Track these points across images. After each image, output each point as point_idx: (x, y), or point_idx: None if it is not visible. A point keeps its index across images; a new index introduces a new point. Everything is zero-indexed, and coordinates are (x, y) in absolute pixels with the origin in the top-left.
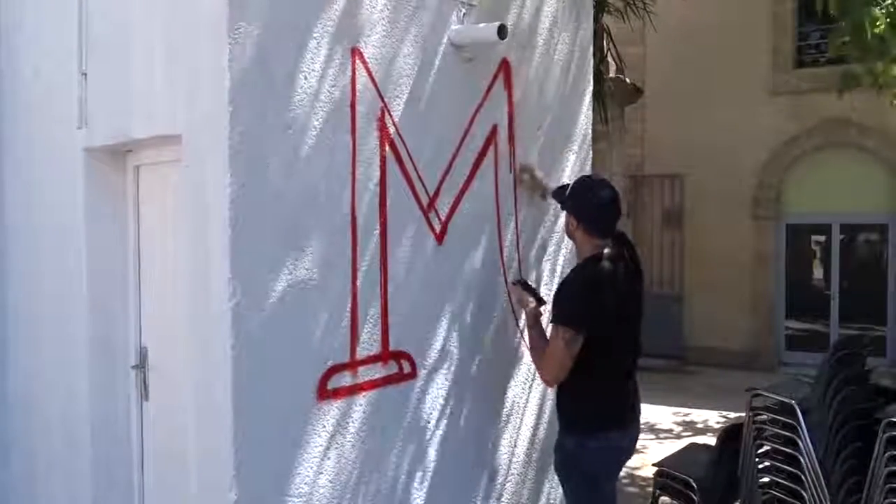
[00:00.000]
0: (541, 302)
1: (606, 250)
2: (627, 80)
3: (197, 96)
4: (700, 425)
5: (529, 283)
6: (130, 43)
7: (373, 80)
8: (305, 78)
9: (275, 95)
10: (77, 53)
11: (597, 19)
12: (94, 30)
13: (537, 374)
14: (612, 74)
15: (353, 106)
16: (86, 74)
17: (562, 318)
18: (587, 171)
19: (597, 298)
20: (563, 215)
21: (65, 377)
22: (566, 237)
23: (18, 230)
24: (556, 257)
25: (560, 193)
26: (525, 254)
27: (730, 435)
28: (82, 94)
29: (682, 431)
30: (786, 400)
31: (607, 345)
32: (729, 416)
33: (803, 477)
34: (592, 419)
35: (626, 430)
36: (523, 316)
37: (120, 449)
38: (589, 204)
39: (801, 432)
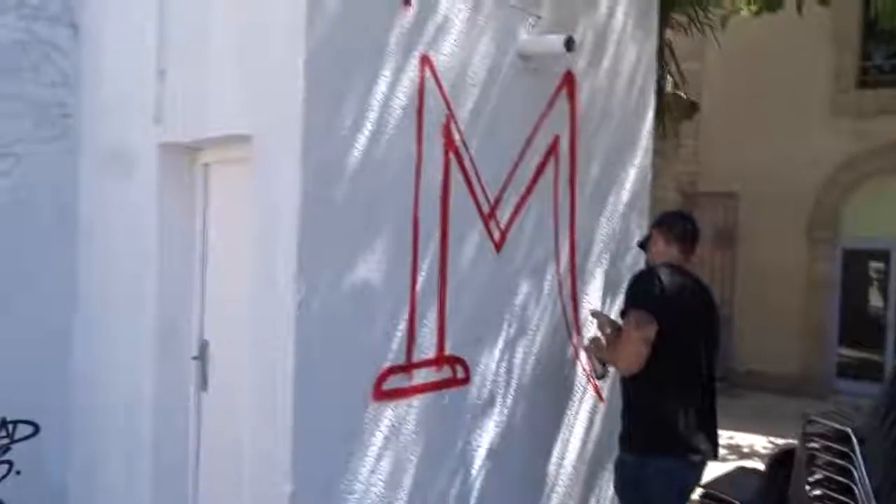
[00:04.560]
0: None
1: (681, 262)
2: (684, 95)
3: (270, 97)
4: (746, 449)
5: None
6: (207, 43)
7: (440, 87)
8: (376, 83)
9: (346, 99)
10: (155, 52)
11: (660, 34)
12: (173, 30)
13: (589, 388)
14: (669, 89)
15: (420, 112)
16: (163, 73)
17: (633, 302)
18: (647, 185)
19: (667, 288)
20: (621, 229)
21: (130, 364)
22: (623, 249)
23: (92, 220)
24: (612, 271)
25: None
26: (582, 264)
27: (780, 460)
28: (159, 92)
29: (728, 454)
30: (841, 427)
31: (677, 357)
32: (776, 441)
33: None
34: (655, 439)
35: (690, 458)
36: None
37: (178, 438)
38: (669, 215)
39: (856, 461)
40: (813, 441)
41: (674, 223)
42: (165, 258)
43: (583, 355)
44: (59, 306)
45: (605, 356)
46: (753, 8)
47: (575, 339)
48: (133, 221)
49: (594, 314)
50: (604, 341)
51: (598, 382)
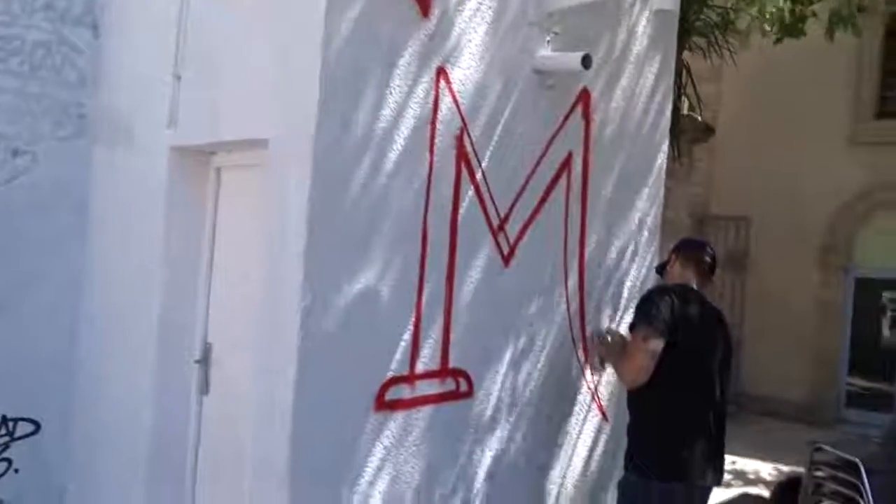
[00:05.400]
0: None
1: (695, 286)
2: (699, 117)
3: (285, 104)
4: (751, 476)
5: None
6: (225, 49)
7: (455, 100)
8: (391, 93)
9: (361, 108)
10: (173, 56)
11: (678, 56)
12: (191, 35)
13: (593, 406)
14: (685, 111)
15: (433, 124)
16: (180, 77)
17: (642, 316)
18: (659, 206)
19: (678, 305)
20: (631, 249)
21: (132, 365)
22: (632, 269)
23: (102, 220)
24: (620, 291)
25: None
26: (590, 282)
27: (785, 488)
28: (174, 95)
29: (732, 480)
30: (850, 457)
31: (686, 375)
32: (781, 468)
33: None
34: (659, 460)
35: (695, 482)
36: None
37: (177, 440)
38: (689, 240)
39: (863, 492)
40: (820, 469)
41: (693, 249)
42: (172, 260)
43: (588, 371)
44: (67, 305)
45: (608, 359)
46: (775, 35)
47: (581, 357)
48: (143, 223)
49: (609, 331)
50: (609, 340)
51: (602, 403)
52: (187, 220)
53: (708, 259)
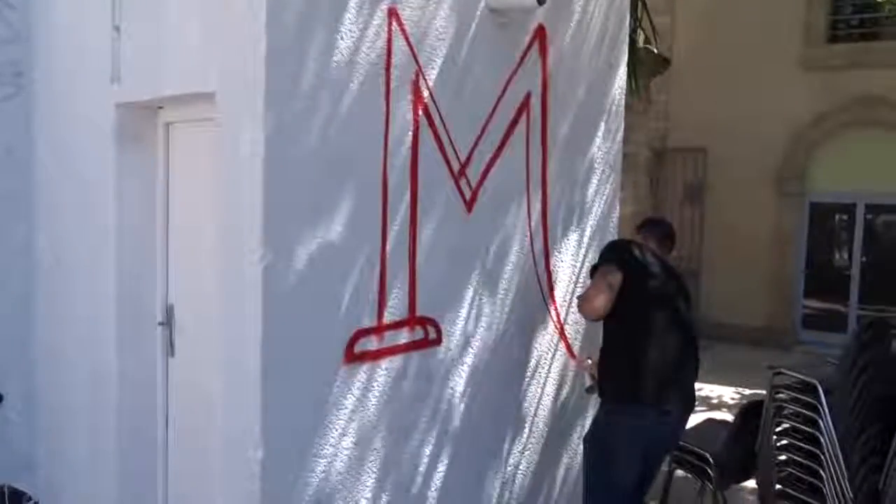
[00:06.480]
0: None
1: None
2: (656, 50)
3: (233, 54)
4: (714, 401)
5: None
6: None
7: (409, 42)
8: (342, 38)
9: (311, 55)
10: (111, 8)
11: None
12: None
13: (561, 346)
14: (641, 44)
15: (388, 68)
16: (119, 28)
17: (600, 259)
18: (619, 142)
19: (636, 249)
20: (592, 186)
21: (92, 331)
22: (593, 208)
23: (49, 183)
24: (583, 229)
25: None
26: (553, 221)
27: (749, 412)
28: (115, 49)
29: (696, 406)
30: (808, 379)
31: (646, 312)
32: (743, 392)
33: (822, 456)
34: (621, 393)
35: (660, 412)
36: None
37: (145, 405)
38: (650, 220)
39: (822, 412)
40: (781, 392)
41: (654, 226)
42: (126, 222)
43: (553, 310)
44: (16, 274)
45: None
46: None
47: (546, 297)
48: (92, 184)
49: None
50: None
51: (570, 342)
52: (138, 178)
53: (668, 234)
